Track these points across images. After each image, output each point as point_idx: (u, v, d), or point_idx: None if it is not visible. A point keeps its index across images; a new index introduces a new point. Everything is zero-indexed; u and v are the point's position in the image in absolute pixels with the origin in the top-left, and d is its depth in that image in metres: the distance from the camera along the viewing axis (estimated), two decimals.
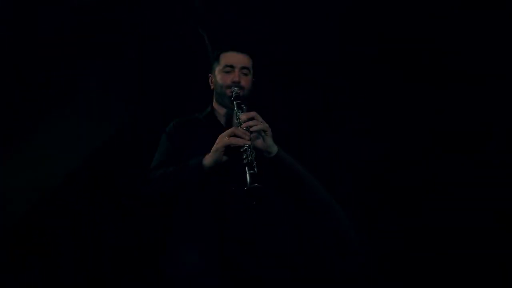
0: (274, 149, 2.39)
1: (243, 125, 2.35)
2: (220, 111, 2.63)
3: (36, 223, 3.25)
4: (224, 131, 2.48)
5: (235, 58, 2.59)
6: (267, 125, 2.38)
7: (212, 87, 2.67)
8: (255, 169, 2.22)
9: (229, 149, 2.33)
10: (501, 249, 3.24)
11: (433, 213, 3.33)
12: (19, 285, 3.19)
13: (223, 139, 2.33)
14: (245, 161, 2.25)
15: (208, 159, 2.34)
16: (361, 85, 3.48)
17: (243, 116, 2.38)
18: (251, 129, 2.34)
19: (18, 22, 3.34)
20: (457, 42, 3.39)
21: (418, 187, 3.37)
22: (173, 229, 2.51)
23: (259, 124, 2.36)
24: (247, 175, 2.21)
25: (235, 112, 2.46)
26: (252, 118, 2.37)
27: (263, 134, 2.36)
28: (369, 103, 3.47)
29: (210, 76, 2.68)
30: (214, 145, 2.34)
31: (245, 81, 2.57)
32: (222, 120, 2.62)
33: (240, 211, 2.38)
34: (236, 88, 2.52)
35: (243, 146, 2.28)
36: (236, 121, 2.41)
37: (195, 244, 2.37)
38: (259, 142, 2.36)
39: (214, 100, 2.67)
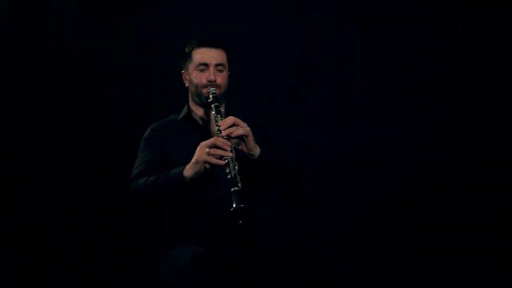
0: (257, 150, 2.33)
1: (223, 133, 2.27)
2: (198, 111, 2.57)
3: (36, 223, 3.25)
4: (203, 133, 2.46)
5: (208, 55, 2.51)
6: (248, 128, 2.30)
7: (186, 85, 2.59)
8: (239, 184, 2.15)
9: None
10: (501, 249, 3.24)
11: (433, 213, 3.33)
12: (19, 285, 3.18)
13: (203, 152, 2.24)
14: (228, 176, 2.18)
15: (188, 171, 2.27)
16: (359, 85, 3.49)
17: (222, 125, 2.30)
18: (232, 135, 2.27)
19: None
20: (458, 42, 3.40)
21: (418, 187, 3.37)
22: (172, 229, 2.50)
23: (239, 129, 2.28)
24: (232, 193, 2.14)
25: (214, 116, 2.39)
26: (232, 125, 2.30)
27: (244, 138, 2.30)
28: (368, 103, 3.47)
29: (183, 73, 2.59)
30: (194, 157, 2.26)
31: (221, 79, 2.49)
32: (201, 122, 2.57)
33: (224, 209, 2.38)
34: (212, 88, 2.45)
35: (225, 158, 2.21)
36: (215, 127, 2.33)
37: (195, 244, 2.35)
38: (241, 146, 2.31)
39: (190, 99, 2.60)
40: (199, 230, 2.41)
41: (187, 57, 2.56)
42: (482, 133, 3.35)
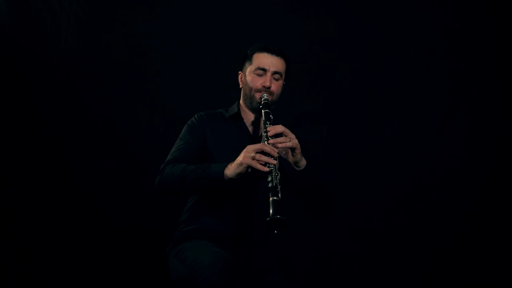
0: (303, 163, 2.33)
1: (270, 141, 2.25)
2: (247, 114, 2.56)
3: (36, 223, 3.25)
4: (249, 138, 2.46)
5: (268, 61, 2.49)
6: (297, 141, 2.29)
7: (240, 86, 2.58)
8: (279, 195, 2.13)
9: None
10: (501, 249, 3.24)
11: (433, 213, 3.33)
12: (19, 285, 3.19)
13: (249, 155, 2.20)
14: (269, 185, 2.15)
15: (230, 170, 2.24)
16: (359, 85, 3.49)
17: (271, 131, 2.27)
18: (279, 146, 2.25)
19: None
20: (458, 42, 3.40)
21: (418, 187, 3.37)
22: (189, 222, 2.48)
23: (287, 142, 2.26)
24: (270, 202, 2.11)
25: (263, 122, 2.37)
26: (280, 134, 2.28)
27: (292, 150, 2.29)
28: (368, 103, 3.47)
29: (240, 73, 2.59)
30: (239, 158, 2.22)
31: (276, 87, 2.48)
32: (249, 125, 2.55)
33: (253, 214, 2.39)
34: (265, 94, 2.44)
35: (269, 166, 2.19)
36: (264, 133, 2.31)
37: (205, 243, 2.35)
38: (287, 156, 2.31)
39: (241, 100, 2.59)
40: (215, 229, 2.40)
41: (247, 59, 2.55)
42: (482, 133, 3.35)
